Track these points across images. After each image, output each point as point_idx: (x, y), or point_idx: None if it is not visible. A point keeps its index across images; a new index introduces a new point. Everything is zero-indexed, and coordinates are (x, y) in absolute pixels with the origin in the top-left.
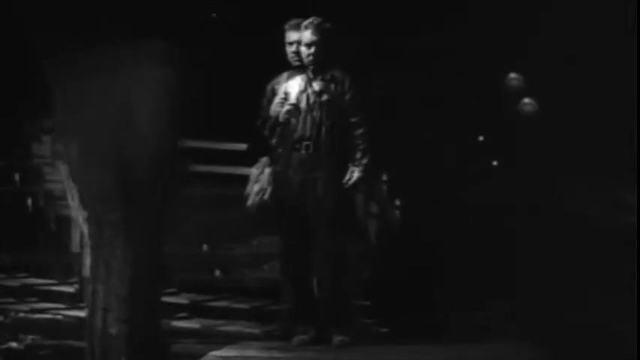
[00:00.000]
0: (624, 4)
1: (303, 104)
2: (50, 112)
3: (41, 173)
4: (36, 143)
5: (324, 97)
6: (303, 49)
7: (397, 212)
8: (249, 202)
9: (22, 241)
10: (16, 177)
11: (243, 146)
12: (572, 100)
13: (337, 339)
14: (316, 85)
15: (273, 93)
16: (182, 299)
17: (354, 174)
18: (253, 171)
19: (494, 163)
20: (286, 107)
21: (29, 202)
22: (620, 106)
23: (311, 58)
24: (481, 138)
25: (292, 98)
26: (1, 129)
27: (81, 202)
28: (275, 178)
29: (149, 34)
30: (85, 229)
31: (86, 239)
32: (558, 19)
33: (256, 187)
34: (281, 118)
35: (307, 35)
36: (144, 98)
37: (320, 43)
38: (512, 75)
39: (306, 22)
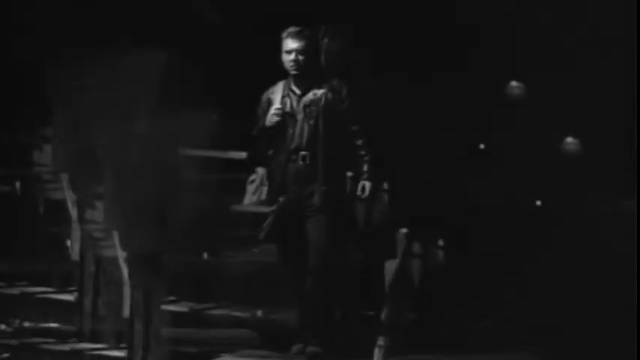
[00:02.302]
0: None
1: (299, 114)
2: (51, 120)
3: (42, 181)
4: (37, 151)
5: (321, 106)
6: (300, 57)
7: (440, 253)
8: (261, 236)
9: (22, 250)
10: (17, 185)
11: (242, 154)
12: (573, 101)
13: (310, 349)
14: (312, 95)
15: (269, 103)
16: (182, 307)
17: (366, 187)
18: (249, 187)
19: (538, 203)
20: (276, 115)
21: (29, 210)
22: (621, 107)
23: (304, 66)
24: (482, 146)
25: (287, 108)
26: (2, 137)
27: (120, 242)
28: (271, 190)
29: (152, 45)
30: (125, 269)
31: (126, 279)
32: (556, 19)
33: (251, 190)
34: (271, 123)
35: (299, 43)
36: (152, 112)
37: (314, 51)
38: (514, 83)
39: (293, 30)
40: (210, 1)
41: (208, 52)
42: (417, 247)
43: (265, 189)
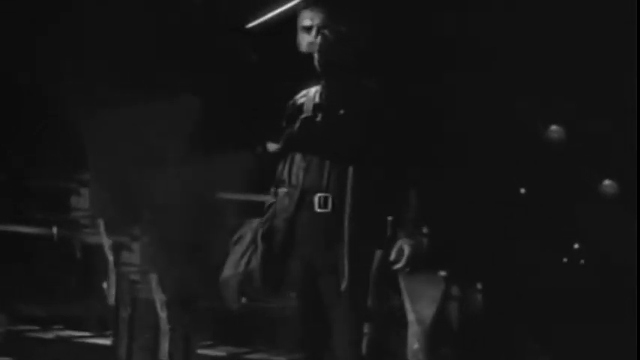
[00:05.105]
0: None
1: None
2: (88, 164)
3: (79, 226)
4: (74, 196)
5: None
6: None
7: (479, 296)
8: (222, 276)
9: (58, 294)
10: (54, 230)
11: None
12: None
13: None
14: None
15: (300, 110)
16: (220, 352)
17: (405, 251)
18: (235, 249)
19: (576, 245)
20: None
21: (66, 254)
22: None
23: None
24: (522, 190)
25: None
26: (40, 181)
27: (159, 285)
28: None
29: (188, 88)
30: (165, 312)
31: (164, 322)
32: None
33: (234, 256)
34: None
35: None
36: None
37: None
38: (554, 127)
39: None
40: (249, 43)
41: (246, 94)
42: (455, 290)
43: (260, 252)
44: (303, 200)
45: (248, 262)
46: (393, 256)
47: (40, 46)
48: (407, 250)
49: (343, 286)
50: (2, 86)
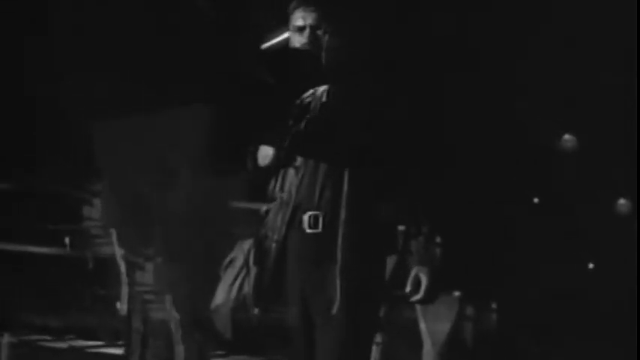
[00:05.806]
0: None
1: None
2: (100, 174)
3: (91, 236)
4: (87, 206)
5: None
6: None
7: (493, 315)
8: (214, 304)
9: (71, 303)
10: (66, 240)
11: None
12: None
13: None
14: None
15: (307, 109)
16: None
17: (423, 282)
18: (227, 272)
19: (591, 265)
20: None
21: (79, 264)
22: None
23: None
24: (536, 200)
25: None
26: (52, 192)
27: (174, 304)
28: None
29: (199, 100)
30: (179, 332)
31: (178, 337)
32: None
33: (226, 281)
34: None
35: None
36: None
37: None
38: (567, 137)
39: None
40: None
41: (255, 107)
42: (469, 310)
43: (253, 276)
44: (294, 219)
45: (240, 288)
46: (408, 288)
47: (53, 55)
48: (424, 281)
49: (335, 308)
50: (18, 96)
